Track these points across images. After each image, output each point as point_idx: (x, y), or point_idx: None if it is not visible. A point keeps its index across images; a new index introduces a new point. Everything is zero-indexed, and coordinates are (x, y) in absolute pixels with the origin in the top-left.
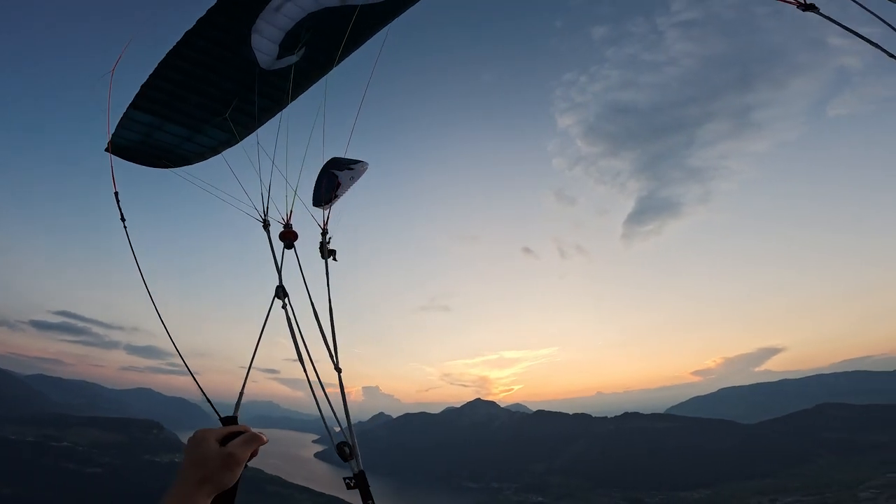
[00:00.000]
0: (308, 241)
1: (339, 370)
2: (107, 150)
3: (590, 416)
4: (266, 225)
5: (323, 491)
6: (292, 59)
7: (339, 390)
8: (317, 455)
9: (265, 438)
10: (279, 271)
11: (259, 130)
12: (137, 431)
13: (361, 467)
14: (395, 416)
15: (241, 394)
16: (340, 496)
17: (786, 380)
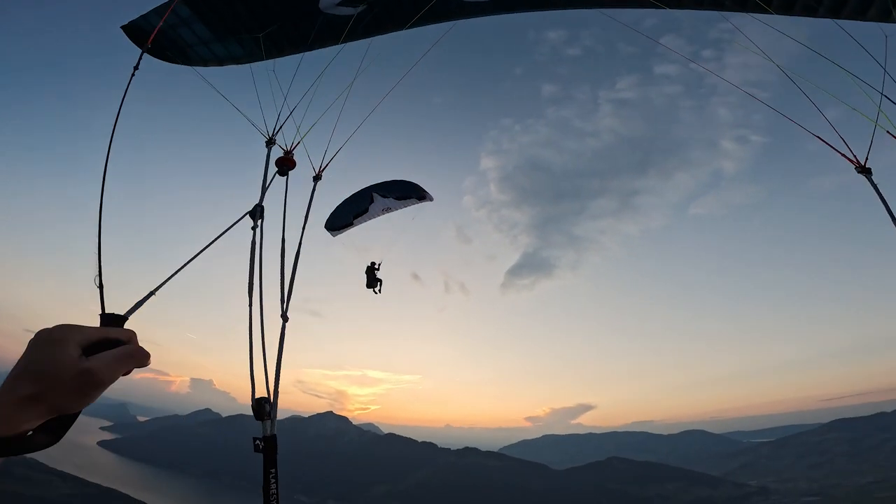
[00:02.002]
0: (302, 174)
1: (286, 319)
2: (123, 27)
3: (436, 445)
4: (270, 142)
5: (99, 482)
6: (350, 11)
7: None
8: (102, 444)
9: (148, 357)
10: (264, 191)
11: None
12: None
13: (274, 431)
14: (224, 415)
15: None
16: (116, 488)
17: (591, 433)
